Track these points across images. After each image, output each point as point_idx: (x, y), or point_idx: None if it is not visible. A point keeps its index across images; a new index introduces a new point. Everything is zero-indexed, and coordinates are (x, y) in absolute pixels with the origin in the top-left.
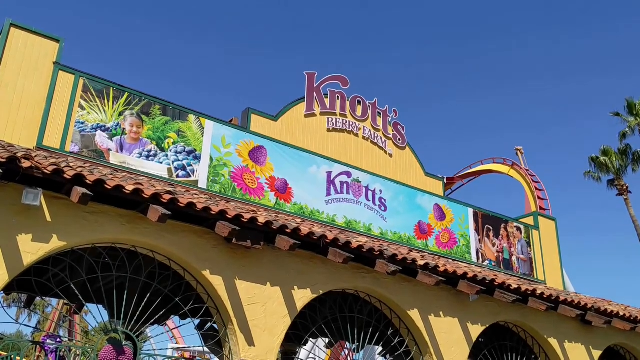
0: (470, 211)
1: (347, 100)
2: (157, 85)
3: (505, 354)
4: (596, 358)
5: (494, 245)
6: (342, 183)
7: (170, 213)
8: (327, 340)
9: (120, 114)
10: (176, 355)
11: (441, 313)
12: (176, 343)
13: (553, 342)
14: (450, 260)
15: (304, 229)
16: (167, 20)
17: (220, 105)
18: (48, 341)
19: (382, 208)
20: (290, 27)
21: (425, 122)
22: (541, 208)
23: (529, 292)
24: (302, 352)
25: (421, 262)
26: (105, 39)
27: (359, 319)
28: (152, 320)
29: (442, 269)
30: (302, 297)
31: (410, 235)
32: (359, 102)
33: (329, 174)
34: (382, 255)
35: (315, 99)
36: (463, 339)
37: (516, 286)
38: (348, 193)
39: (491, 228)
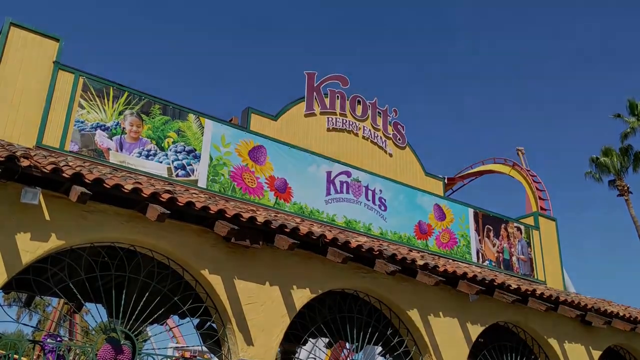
0: (471, 211)
1: (347, 100)
2: (157, 85)
3: (504, 354)
4: (596, 358)
5: (494, 245)
6: (341, 183)
7: (169, 212)
8: (326, 340)
9: (120, 113)
10: (176, 354)
11: (440, 313)
12: (177, 342)
13: (553, 342)
14: (450, 260)
15: (303, 229)
16: (168, 19)
17: (220, 105)
18: (48, 340)
19: (382, 208)
20: (290, 26)
21: (426, 121)
22: (542, 208)
23: (529, 293)
24: (302, 352)
25: (421, 262)
26: (105, 37)
27: (358, 319)
28: (151, 320)
29: (441, 269)
30: (301, 296)
31: (410, 235)
32: (358, 102)
33: (329, 173)
34: (381, 255)
35: (315, 98)
36: (462, 339)
37: (516, 286)
38: (348, 193)
39: (491, 228)
